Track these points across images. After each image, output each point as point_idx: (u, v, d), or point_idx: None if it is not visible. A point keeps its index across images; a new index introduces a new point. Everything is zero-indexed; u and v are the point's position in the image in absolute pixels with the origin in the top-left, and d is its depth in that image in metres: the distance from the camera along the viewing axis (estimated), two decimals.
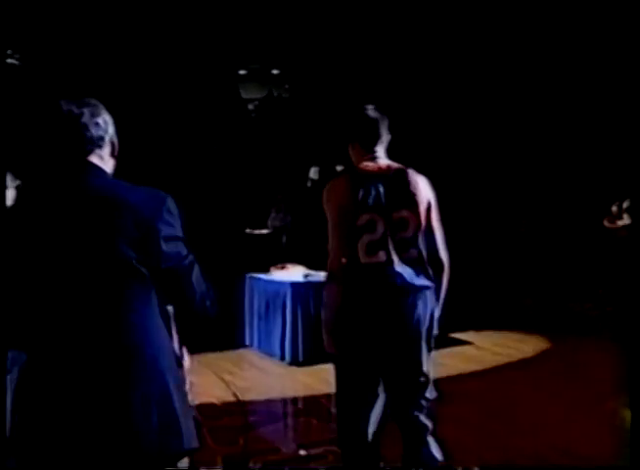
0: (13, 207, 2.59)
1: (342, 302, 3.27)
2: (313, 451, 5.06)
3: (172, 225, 2.27)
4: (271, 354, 7.53)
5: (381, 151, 3.42)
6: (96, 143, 2.36)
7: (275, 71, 11.53)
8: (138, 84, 10.35)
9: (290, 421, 5.41)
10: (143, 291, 2.23)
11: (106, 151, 2.40)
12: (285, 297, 7.45)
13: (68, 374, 2.18)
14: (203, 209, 10.52)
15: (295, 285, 7.46)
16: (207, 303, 2.38)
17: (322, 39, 10.44)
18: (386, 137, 3.47)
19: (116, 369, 2.18)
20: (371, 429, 3.33)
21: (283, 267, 8.14)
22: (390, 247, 3.23)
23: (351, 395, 3.32)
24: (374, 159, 3.38)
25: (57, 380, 2.19)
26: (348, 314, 3.27)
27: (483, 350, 7.92)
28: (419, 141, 10.66)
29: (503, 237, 11.26)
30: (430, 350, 3.37)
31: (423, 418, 3.37)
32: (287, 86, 11.78)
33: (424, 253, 3.31)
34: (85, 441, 2.16)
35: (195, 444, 2.30)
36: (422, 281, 3.28)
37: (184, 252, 2.30)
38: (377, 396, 3.35)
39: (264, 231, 11.22)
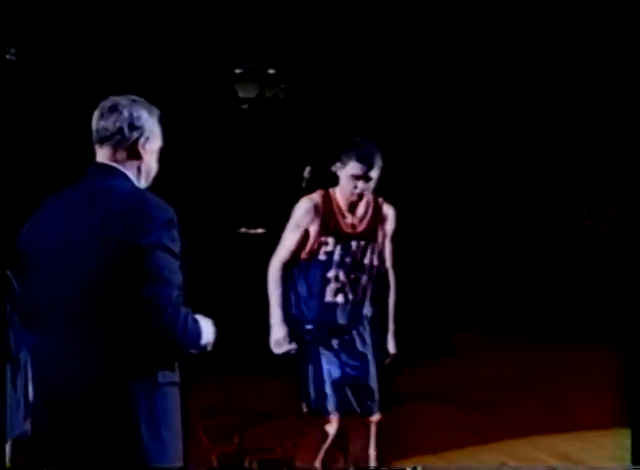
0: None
1: None
2: None
3: (150, 232, 2.20)
4: None
5: None
6: (108, 137, 2.34)
7: (271, 71, 11.54)
8: (133, 82, 10.34)
9: (285, 420, 5.42)
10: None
11: (122, 146, 2.35)
12: None
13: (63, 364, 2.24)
14: (195, 208, 10.51)
15: None
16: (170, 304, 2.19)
17: (319, 39, 10.45)
18: None
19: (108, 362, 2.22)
20: None
21: None
22: None
23: None
24: None
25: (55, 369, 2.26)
26: None
27: (473, 352, 7.93)
28: (416, 153, 10.70)
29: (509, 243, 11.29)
30: None
31: None
32: (283, 86, 11.79)
33: None
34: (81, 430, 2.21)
35: None
36: None
37: (160, 261, 2.20)
38: None
39: (260, 230, 11.19)
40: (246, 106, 11.73)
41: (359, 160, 3.76)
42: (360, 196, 3.83)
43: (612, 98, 8.99)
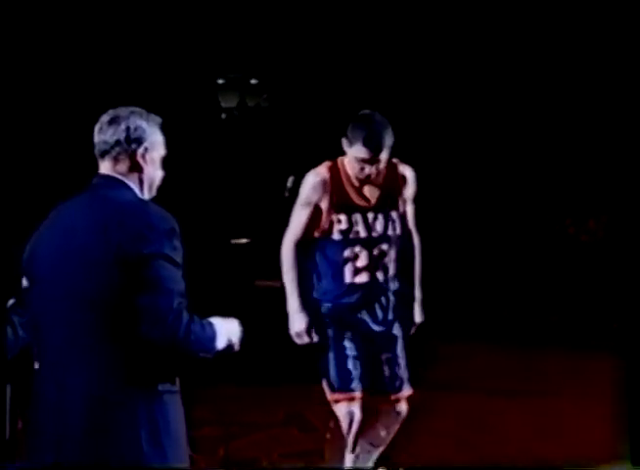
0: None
1: None
2: (294, 462, 5.06)
3: (152, 241, 2.21)
4: None
5: None
6: (108, 150, 2.35)
7: (253, 81, 11.57)
8: (115, 93, 10.31)
9: (270, 431, 5.40)
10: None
11: (122, 158, 2.36)
12: None
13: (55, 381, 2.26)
14: (180, 217, 10.46)
15: None
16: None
17: (301, 49, 10.48)
18: None
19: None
20: None
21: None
22: None
23: None
24: None
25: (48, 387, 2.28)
26: None
27: (460, 361, 7.92)
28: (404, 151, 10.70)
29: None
30: None
31: None
32: (265, 96, 11.82)
33: None
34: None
35: None
36: None
37: (161, 270, 2.20)
38: None
39: (244, 240, 11.16)
40: (228, 116, 11.74)
41: (365, 143, 3.39)
42: (369, 177, 3.46)
43: (597, 106, 9.04)
